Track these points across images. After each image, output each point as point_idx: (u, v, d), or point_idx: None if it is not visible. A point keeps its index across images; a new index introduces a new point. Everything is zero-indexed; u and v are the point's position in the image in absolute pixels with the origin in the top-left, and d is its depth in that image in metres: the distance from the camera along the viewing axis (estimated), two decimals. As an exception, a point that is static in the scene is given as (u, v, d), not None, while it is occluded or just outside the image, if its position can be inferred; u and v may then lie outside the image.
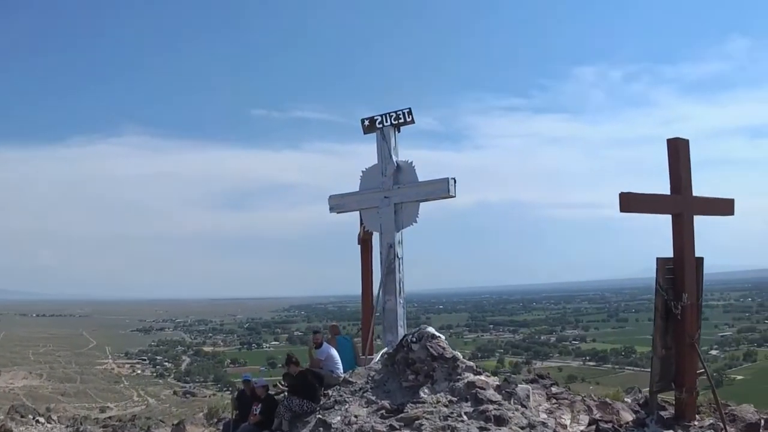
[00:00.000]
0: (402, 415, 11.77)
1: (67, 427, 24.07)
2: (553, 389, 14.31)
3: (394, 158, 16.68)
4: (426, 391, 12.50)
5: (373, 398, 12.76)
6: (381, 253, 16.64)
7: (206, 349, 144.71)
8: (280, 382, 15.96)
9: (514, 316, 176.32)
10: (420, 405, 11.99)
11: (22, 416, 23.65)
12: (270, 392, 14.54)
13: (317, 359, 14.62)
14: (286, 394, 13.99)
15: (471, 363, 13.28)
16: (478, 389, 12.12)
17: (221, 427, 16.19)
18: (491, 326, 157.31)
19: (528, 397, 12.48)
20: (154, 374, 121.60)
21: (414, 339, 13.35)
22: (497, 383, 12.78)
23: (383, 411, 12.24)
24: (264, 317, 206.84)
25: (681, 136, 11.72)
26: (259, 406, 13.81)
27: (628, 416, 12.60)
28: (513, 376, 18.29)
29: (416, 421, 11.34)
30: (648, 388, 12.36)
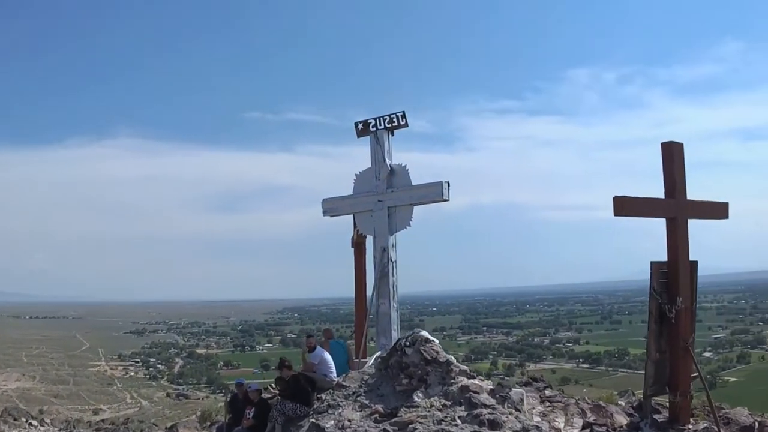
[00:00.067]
0: (396, 419, 11.75)
1: (60, 430, 23.93)
2: (547, 392, 14.31)
3: (388, 162, 16.66)
4: (420, 395, 12.48)
5: (367, 402, 12.73)
6: (375, 256, 16.63)
7: (199, 351, 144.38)
8: (270, 386, 15.92)
9: (508, 318, 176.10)
10: (414, 409, 11.97)
11: (15, 419, 23.52)
12: (263, 396, 14.51)
13: (311, 363, 14.56)
14: (278, 398, 13.96)
15: (465, 367, 13.27)
16: (471, 393, 12.11)
17: (214, 431, 16.13)
18: (485, 328, 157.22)
19: (522, 400, 12.47)
20: (148, 376, 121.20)
21: (408, 343, 13.33)
22: (491, 387, 12.77)
23: (377, 415, 12.21)
24: (257, 319, 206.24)
25: (674, 139, 11.76)
26: (253, 410, 13.78)
27: (622, 419, 12.60)
28: (507, 378, 18.31)
29: (410, 426, 11.32)
30: (642, 391, 12.36)
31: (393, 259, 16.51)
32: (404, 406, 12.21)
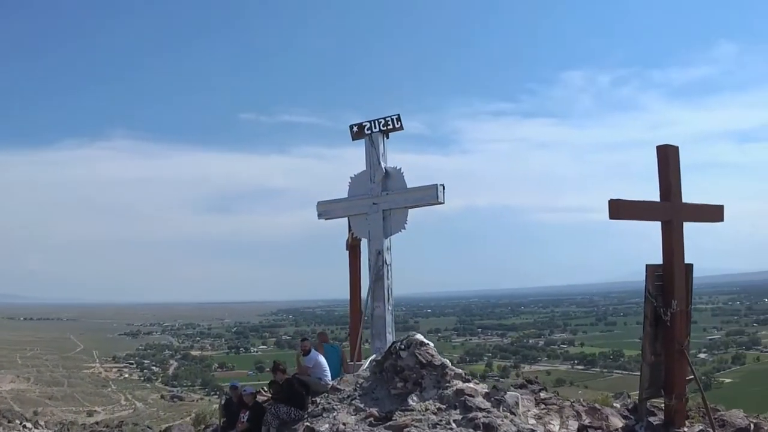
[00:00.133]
0: (390, 422, 11.70)
1: (55, 432, 23.89)
2: (542, 395, 14.30)
3: (383, 165, 16.61)
4: (414, 398, 12.44)
5: (362, 406, 12.69)
6: (369, 259, 16.58)
7: (194, 353, 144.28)
8: (263, 389, 15.88)
9: (503, 319, 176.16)
10: (408, 413, 11.93)
11: (9, 421, 23.41)
12: (258, 399, 14.47)
13: (305, 366, 14.52)
14: (271, 401, 13.93)
15: (460, 370, 13.22)
16: (466, 397, 12.07)
17: (209, 434, 16.09)
18: (480, 330, 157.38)
19: (517, 404, 12.43)
20: (142, 378, 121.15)
21: (403, 346, 13.29)
22: (486, 390, 12.74)
23: (371, 419, 12.17)
24: (252, 321, 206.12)
25: (669, 141, 11.79)
26: (247, 413, 13.74)
27: (617, 422, 12.58)
28: (502, 380, 18.29)
29: (405, 429, 11.27)
30: (637, 393, 12.36)
31: (388, 262, 16.47)
32: (399, 409, 12.16)
